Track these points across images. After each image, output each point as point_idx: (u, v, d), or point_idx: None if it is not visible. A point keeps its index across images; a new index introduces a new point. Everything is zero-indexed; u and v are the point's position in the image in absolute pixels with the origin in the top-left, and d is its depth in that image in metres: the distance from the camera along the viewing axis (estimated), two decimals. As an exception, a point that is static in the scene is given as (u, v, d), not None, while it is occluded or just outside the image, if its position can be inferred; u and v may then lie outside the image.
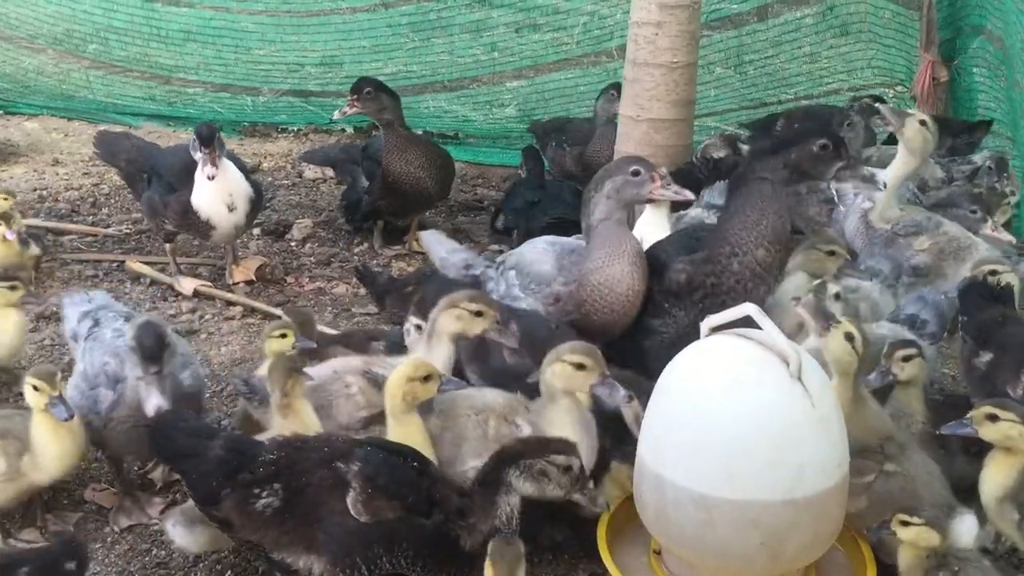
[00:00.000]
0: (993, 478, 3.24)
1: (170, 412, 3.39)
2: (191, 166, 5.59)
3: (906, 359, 3.67)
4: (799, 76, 8.86)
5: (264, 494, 3.02)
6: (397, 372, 3.44)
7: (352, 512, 2.97)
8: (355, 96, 6.15)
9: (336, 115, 6.33)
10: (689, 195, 4.39)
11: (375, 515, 2.97)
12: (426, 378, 3.42)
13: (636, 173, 4.20)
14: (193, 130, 5.55)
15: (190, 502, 3.51)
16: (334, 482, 3.02)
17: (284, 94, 9.46)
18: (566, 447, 3.11)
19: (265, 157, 8.50)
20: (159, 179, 5.77)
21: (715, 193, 5.62)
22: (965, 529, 3.22)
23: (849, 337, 3.47)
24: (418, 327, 3.98)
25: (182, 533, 3.44)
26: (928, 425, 3.71)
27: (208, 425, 3.38)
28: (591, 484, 3.16)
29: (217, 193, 5.54)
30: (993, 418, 3.20)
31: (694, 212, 5.58)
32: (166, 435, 3.22)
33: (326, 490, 3.02)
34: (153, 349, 3.48)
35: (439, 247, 4.97)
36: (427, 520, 3.03)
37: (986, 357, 3.91)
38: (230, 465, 3.08)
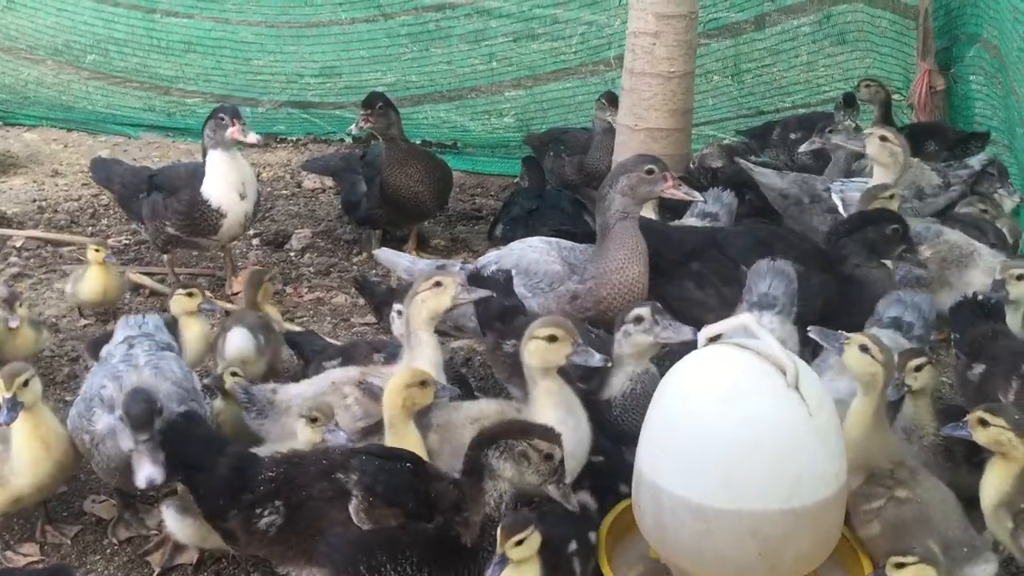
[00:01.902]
0: (991, 484, 3.28)
1: (183, 416, 3.36)
2: (191, 174, 5.70)
3: (918, 368, 3.67)
4: (797, 85, 8.90)
5: (266, 513, 3.04)
6: (394, 380, 3.46)
7: (355, 521, 2.98)
8: (368, 111, 6.18)
9: (353, 130, 6.35)
10: (698, 196, 4.71)
11: (377, 523, 2.99)
12: (423, 383, 3.44)
13: (650, 172, 4.45)
14: (216, 114, 5.60)
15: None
16: (333, 493, 3.03)
17: (283, 104, 9.48)
18: (551, 435, 3.08)
19: (264, 167, 8.50)
20: (159, 187, 5.82)
21: (709, 200, 5.61)
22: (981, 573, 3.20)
23: (864, 348, 3.44)
24: (400, 313, 4.01)
25: (173, 518, 3.48)
26: (939, 437, 3.71)
27: (219, 436, 3.36)
28: (567, 480, 3.11)
29: (229, 181, 5.62)
30: (984, 423, 3.26)
31: (689, 222, 5.58)
32: (179, 442, 3.22)
33: (326, 502, 3.03)
34: (142, 417, 3.28)
35: (399, 259, 5.05)
36: (429, 524, 3.04)
37: (978, 369, 3.93)
38: (234, 485, 3.09)
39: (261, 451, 3.43)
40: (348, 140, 9.12)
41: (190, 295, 4.61)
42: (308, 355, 4.60)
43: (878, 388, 3.40)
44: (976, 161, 6.32)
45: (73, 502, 3.99)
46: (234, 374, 4.13)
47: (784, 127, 7.41)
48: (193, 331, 4.56)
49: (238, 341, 4.60)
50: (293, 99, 9.45)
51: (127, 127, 9.31)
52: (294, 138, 9.26)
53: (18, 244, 6.63)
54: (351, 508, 3.00)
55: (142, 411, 3.27)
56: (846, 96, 7.05)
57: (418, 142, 7.97)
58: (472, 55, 9.33)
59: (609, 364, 3.57)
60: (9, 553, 3.69)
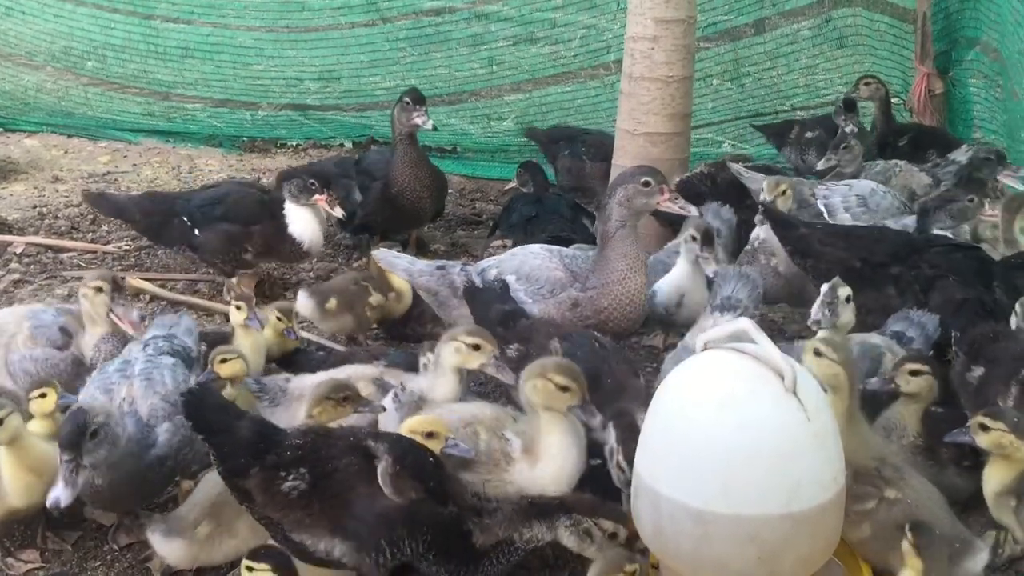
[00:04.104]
0: (994, 476, 3.38)
1: (199, 386, 3.41)
2: (255, 200, 5.88)
3: (914, 373, 3.72)
4: (796, 88, 8.93)
5: (291, 477, 3.07)
6: (403, 424, 3.46)
7: (380, 484, 3.04)
8: (425, 107, 6.28)
9: (430, 125, 6.32)
10: (694, 210, 4.65)
11: (400, 492, 3.04)
12: (429, 435, 3.39)
13: (647, 184, 4.43)
14: (306, 178, 5.79)
15: (174, 513, 3.59)
16: (360, 467, 3.09)
17: (283, 108, 9.49)
18: (617, 515, 3.20)
19: (264, 173, 8.51)
20: (225, 216, 5.83)
21: (708, 215, 5.53)
22: (973, 568, 3.21)
23: (817, 353, 3.49)
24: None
25: (160, 541, 3.48)
26: (918, 439, 3.75)
27: (234, 404, 3.40)
28: (638, 555, 3.19)
29: (317, 223, 5.82)
30: (984, 428, 3.33)
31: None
32: (196, 408, 3.23)
33: (353, 475, 3.08)
34: (71, 438, 3.29)
35: (398, 260, 5.06)
36: (444, 509, 3.11)
37: (978, 372, 3.93)
38: (257, 445, 3.13)
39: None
40: (348, 145, 9.14)
41: (239, 308, 4.62)
42: (310, 370, 4.57)
43: (844, 388, 3.44)
44: (962, 155, 6.32)
45: (73, 508, 3.97)
46: (223, 360, 4.12)
47: (803, 127, 7.44)
48: (245, 343, 4.57)
49: (300, 300, 5.23)
50: (293, 103, 9.48)
51: (127, 132, 9.33)
52: (294, 143, 9.28)
53: (19, 250, 6.63)
54: (379, 471, 3.05)
55: (71, 432, 3.29)
56: (846, 101, 7.04)
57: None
58: (471, 59, 9.35)
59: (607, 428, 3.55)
60: (10, 560, 3.69)
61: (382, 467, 3.05)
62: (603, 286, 4.46)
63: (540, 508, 3.22)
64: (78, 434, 3.29)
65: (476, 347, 3.74)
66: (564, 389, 3.40)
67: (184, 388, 3.79)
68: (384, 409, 3.76)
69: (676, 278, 4.93)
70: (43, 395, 3.79)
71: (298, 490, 3.07)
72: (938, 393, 3.84)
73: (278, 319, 4.71)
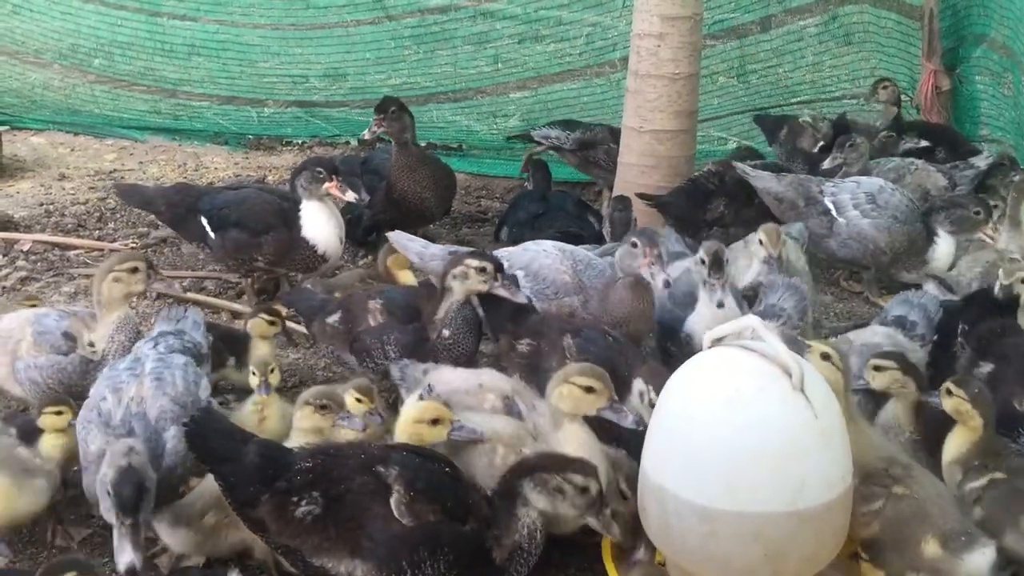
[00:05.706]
0: (952, 444, 3.51)
1: (203, 412, 3.35)
2: (278, 211, 5.66)
3: (877, 368, 3.75)
4: (802, 85, 8.91)
5: (303, 502, 3.04)
6: (405, 412, 3.47)
7: (396, 514, 3.01)
8: (381, 116, 6.19)
9: (366, 135, 6.34)
10: (665, 279, 4.31)
11: (417, 518, 3.02)
12: (434, 421, 3.41)
13: (634, 245, 4.35)
14: (313, 167, 5.58)
15: (180, 502, 3.59)
16: (375, 488, 3.06)
17: (289, 106, 9.49)
18: (586, 468, 3.14)
19: (270, 171, 8.51)
20: (238, 223, 5.67)
21: (670, 240, 5.43)
22: (978, 563, 3.19)
23: (825, 356, 3.52)
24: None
25: (167, 531, 3.50)
26: (915, 435, 3.77)
27: (239, 428, 3.35)
28: (607, 511, 3.16)
29: (333, 226, 5.62)
30: (949, 392, 3.47)
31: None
32: (201, 436, 3.20)
33: (367, 496, 3.05)
34: (130, 501, 3.11)
35: (412, 243, 5.09)
36: (464, 526, 3.09)
37: (986, 368, 3.92)
38: (265, 472, 3.09)
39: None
40: (353, 143, 9.15)
41: (272, 323, 4.62)
42: (307, 313, 4.68)
43: (840, 392, 3.43)
44: (982, 161, 6.31)
45: (81, 505, 3.98)
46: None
47: (791, 131, 7.38)
48: (260, 351, 4.56)
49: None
50: (299, 100, 9.48)
51: (133, 130, 9.33)
52: (300, 141, 9.27)
53: (25, 248, 6.64)
54: (392, 502, 3.03)
55: (131, 498, 3.12)
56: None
57: (423, 144, 7.98)
58: (477, 56, 9.34)
59: (642, 428, 3.37)
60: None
61: (395, 498, 3.02)
62: (601, 318, 4.42)
63: (506, 486, 3.12)
64: (137, 499, 3.13)
65: (589, 389, 3.45)
66: (589, 390, 3.40)
67: (194, 387, 3.79)
68: (365, 429, 3.62)
69: (705, 316, 4.36)
70: (59, 412, 3.72)
71: (312, 515, 3.03)
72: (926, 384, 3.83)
73: (358, 400, 3.89)
